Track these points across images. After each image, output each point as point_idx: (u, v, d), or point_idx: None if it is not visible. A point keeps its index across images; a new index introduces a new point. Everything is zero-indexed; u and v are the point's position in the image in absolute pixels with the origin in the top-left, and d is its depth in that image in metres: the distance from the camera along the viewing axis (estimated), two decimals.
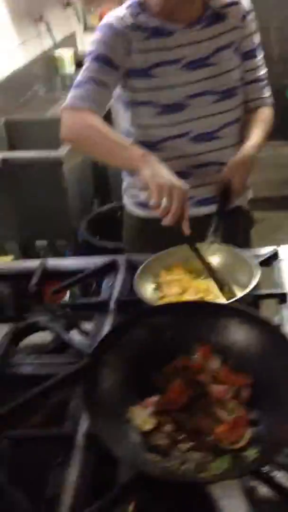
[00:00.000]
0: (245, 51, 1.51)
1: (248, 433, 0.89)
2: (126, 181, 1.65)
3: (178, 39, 1.42)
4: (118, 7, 1.46)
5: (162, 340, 1.01)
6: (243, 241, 1.60)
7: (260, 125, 1.54)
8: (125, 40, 1.40)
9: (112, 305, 1.22)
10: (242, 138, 1.53)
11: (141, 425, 0.91)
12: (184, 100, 1.45)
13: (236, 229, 1.57)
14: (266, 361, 0.96)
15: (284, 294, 1.20)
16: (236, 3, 1.48)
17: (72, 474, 0.85)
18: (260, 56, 1.56)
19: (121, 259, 1.37)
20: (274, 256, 1.32)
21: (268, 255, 1.31)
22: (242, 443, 0.87)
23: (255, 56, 1.54)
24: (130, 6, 1.44)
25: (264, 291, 1.23)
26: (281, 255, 1.33)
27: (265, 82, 1.58)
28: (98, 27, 1.45)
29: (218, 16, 1.45)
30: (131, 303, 1.22)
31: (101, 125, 1.38)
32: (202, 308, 1.06)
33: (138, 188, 1.54)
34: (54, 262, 1.41)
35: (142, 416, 0.92)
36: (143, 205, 1.57)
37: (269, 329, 0.99)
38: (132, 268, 1.31)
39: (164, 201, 1.19)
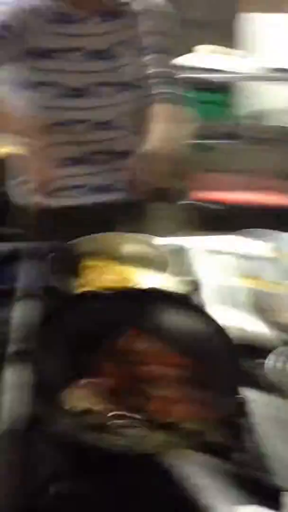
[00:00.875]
0: (143, 46, 1.56)
1: (182, 408, 0.93)
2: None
3: (79, 28, 1.47)
4: None
5: (93, 326, 1.03)
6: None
7: (163, 120, 1.60)
8: (33, 19, 1.40)
9: (31, 292, 1.21)
10: (137, 130, 1.58)
11: (76, 406, 0.92)
12: (85, 87, 1.49)
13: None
14: (196, 341, 1.01)
15: (197, 283, 1.26)
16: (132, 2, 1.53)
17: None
18: (155, 54, 1.61)
19: (24, 246, 1.36)
20: (182, 248, 1.40)
21: (178, 244, 1.39)
22: (178, 418, 0.91)
23: (154, 52, 1.59)
24: None
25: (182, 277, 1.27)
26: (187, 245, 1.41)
27: (162, 79, 1.64)
28: (5, 4, 1.42)
29: (117, 13, 1.50)
30: (50, 290, 1.21)
31: None
32: (130, 294, 1.10)
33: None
34: None
35: (76, 398, 0.94)
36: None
37: (196, 310, 1.05)
38: (38, 256, 1.31)
39: None
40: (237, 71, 3.06)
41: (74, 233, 1.35)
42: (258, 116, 3.17)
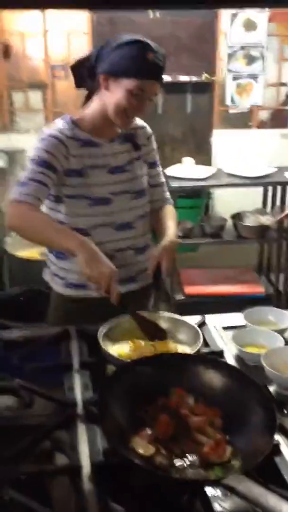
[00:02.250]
0: (149, 162, 1.92)
1: (228, 449, 1.14)
2: (56, 265, 1.88)
3: (103, 150, 1.78)
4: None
5: (145, 386, 1.24)
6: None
7: (172, 219, 1.91)
8: (64, 147, 1.72)
9: (76, 365, 1.42)
10: (150, 228, 1.89)
11: (144, 451, 1.12)
12: (109, 196, 1.78)
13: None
14: (229, 395, 1.23)
15: (221, 352, 1.51)
16: (143, 127, 1.89)
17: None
18: (160, 167, 1.97)
19: (71, 329, 1.59)
20: (203, 323, 1.65)
21: (199, 321, 1.63)
22: (226, 457, 1.12)
23: (157, 166, 1.95)
24: (66, 121, 1.76)
25: (205, 349, 1.51)
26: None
27: (165, 186, 1.98)
28: (41, 136, 1.74)
29: (130, 136, 1.85)
30: (93, 363, 1.44)
31: (43, 216, 1.69)
32: (174, 358, 1.32)
33: (71, 271, 1.79)
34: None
35: (142, 445, 1.13)
36: (74, 286, 1.81)
37: (230, 370, 1.27)
38: (83, 336, 1.54)
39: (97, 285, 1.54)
40: (212, 179, 3.47)
41: (103, 319, 1.59)
42: (236, 217, 3.54)
